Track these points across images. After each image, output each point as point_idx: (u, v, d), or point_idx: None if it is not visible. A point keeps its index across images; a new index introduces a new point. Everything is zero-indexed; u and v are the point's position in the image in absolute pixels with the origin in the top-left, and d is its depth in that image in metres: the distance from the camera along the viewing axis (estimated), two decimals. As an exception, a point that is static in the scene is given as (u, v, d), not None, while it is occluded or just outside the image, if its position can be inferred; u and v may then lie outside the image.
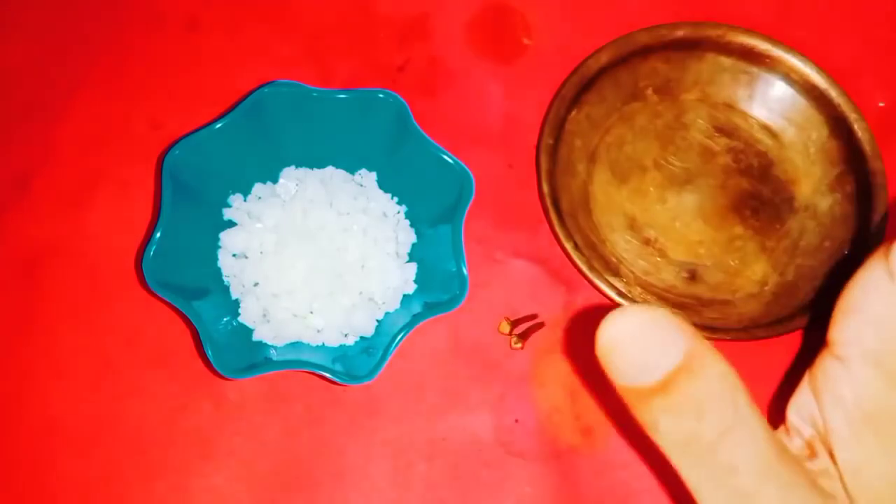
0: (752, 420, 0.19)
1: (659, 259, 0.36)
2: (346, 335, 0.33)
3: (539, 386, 0.34)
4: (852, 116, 0.37)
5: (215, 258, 0.34)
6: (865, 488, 0.20)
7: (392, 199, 0.35)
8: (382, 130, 0.34)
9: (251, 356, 0.32)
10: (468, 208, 0.32)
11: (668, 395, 0.18)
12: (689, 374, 0.18)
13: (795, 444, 0.22)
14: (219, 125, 0.32)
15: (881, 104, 0.40)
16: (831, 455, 0.21)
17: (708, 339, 0.19)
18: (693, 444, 0.19)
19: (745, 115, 0.39)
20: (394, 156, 0.35)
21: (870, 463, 0.20)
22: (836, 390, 0.21)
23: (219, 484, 0.33)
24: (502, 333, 0.35)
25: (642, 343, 0.18)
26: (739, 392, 0.19)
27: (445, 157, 0.33)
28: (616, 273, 0.35)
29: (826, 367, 0.21)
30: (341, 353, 0.34)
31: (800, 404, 0.22)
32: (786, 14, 0.41)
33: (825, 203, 0.37)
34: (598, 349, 0.19)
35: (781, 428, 0.23)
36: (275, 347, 0.33)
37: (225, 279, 0.34)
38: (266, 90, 0.32)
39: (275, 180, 0.35)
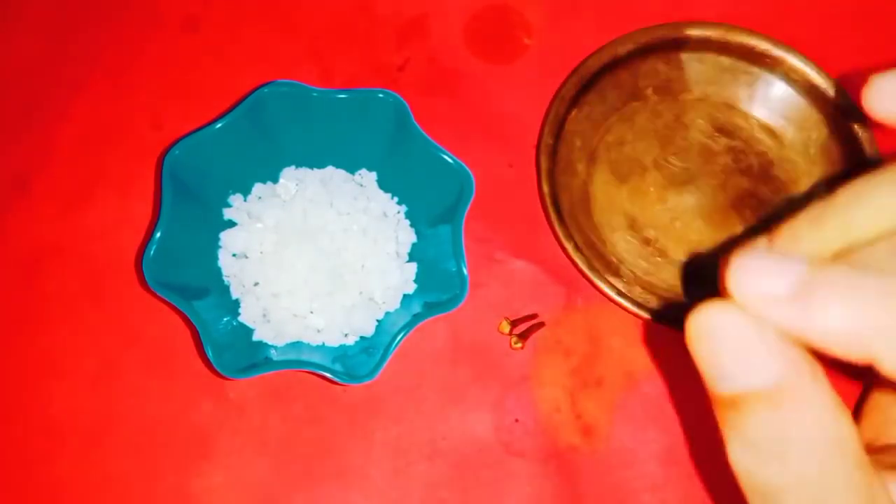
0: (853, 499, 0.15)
1: (659, 259, 0.36)
2: (346, 335, 0.33)
3: (539, 386, 0.34)
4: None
5: (215, 258, 0.34)
6: None
7: (392, 199, 0.35)
8: (382, 130, 0.34)
9: (251, 356, 0.32)
10: (468, 208, 0.32)
11: (740, 414, 0.15)
12: (769, 405, 0.15)
13: None
14: (219, 125, 0.32)
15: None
16: None
17: None
18: (759, 490, 0.15)
19: (745, 115, 0.38)
20: (394, 156, 0.35)
21: None
22: None
23: (219, 484, 0.33)
24: (502, 333, 0.35)
25: (730, 344, 0.15)
26: (844, 455, 0.15)
27: (445, 157, 0.33)
28: (616, 273, 0.35)
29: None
30: (341, 352, 0.34)
31: None
32: (786, 14, 0.41)
33: (825, 203, 0.37)
34: (686, 333, 0.16)
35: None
36: (275, 347, 0.33)
37: (225, 279, 0.34)
38: (266, 90, 0.32)
39: (275, 180, 0.35)
